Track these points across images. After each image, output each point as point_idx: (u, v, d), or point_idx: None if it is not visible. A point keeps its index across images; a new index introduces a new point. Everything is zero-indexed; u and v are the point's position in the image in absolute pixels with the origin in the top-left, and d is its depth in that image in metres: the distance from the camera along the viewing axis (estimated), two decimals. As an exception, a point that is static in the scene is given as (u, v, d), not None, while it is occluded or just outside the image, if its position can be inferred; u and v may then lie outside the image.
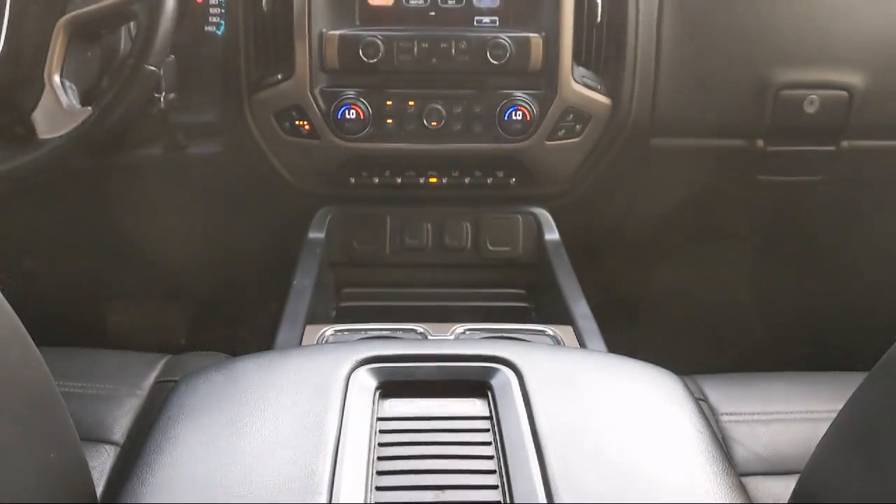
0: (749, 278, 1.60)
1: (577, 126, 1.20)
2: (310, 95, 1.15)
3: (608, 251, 1.43)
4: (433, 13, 1.18)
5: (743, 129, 1.24)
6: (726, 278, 1.57)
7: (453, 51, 1.15)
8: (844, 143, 1.23)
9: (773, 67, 1.19)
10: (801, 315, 1.53)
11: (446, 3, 1.17)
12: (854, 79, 1.18)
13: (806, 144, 1.24)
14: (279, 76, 1.17)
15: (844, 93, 1.19)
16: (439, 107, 1.17)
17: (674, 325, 1.51)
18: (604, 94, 1.19)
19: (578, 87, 1.17)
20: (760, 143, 1.24)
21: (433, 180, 1.24)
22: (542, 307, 1.21)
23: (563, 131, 1.19)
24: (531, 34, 1.15)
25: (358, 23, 1.18)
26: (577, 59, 1.17)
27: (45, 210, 1.34)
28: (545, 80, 1.17)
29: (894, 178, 1.28)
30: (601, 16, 1.15)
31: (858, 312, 1.47)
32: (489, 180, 1.23)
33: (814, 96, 1.19)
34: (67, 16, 1.00)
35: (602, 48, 1.18)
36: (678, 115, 1.22)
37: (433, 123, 1.17)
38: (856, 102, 1.19)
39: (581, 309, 1.03)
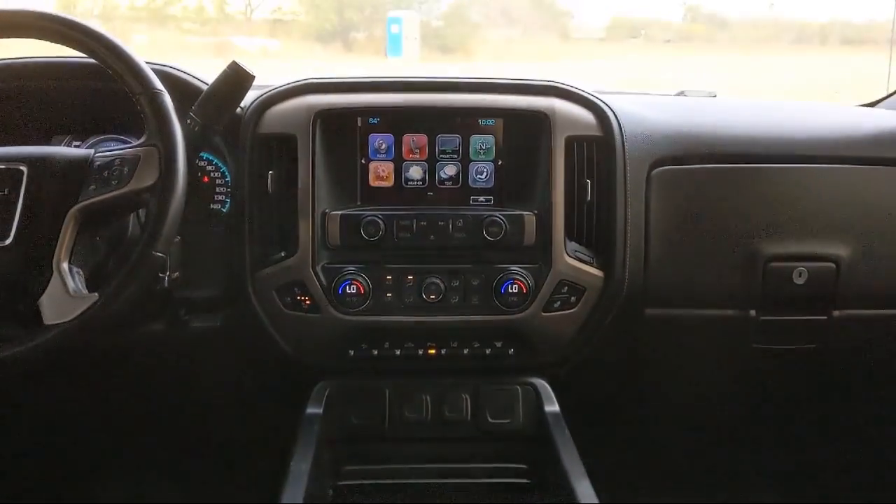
0: (748, 445, 1.61)
1: (572, 297, 1.26)
2: (312, 272, 1.22)
3: (608, 418, 1.45)
4: (431, 193, 1.27)
5: (735, 300, 1.30)
6: (726, 449, 1.58)
7: (450, 228, 1.23)
8: (836, 313, 1.29)
9: (762, 241, 1.27)
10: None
11: (443, 183, 1.27)
12: (841, 250, 1.26)
13: (798, 314, 1.30)
14: (282, 253, 1.24)
15: (832, 264, 1.26)
16: (437, 280, 1.23)
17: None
18: (597, 267, 1.26)
19: (572, 260, 1.24)
20: (753, 312, 1.30)
21: (432, 352, 1.28)
22: (545, 484, 1.22)
23: (558, 303, 1.25)
24: (524, 212, 1.23)
25: (359, 202, 1.27)
26: (570, 234, 1.25)
27: (45, 388, 1.37)
28: (539, 254, 1.24)
29: (886, 345, 1.33)
30: (591, 195, 1.25)
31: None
32: (488, 351, 1.28)
33: (802, 268, 1.26)
34: (80, 204, 1.03)
35: (593, 225, 1.26)
36: (671, 286, 1.28)
37: (432, 297, 1.23)
38: (843, 273, 1.26)
39: (584, 489, 1.04)
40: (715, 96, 1.69)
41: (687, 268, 1.28)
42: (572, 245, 1.25)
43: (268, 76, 1.32)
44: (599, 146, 1.26)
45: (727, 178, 1.28)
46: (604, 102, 1.28)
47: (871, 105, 1.67)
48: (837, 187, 1.28)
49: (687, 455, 1.61)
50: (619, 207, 1.25)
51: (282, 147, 1.24)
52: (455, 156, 1.27)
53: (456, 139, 1.27)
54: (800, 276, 1.26)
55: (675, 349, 1.36)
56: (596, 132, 1.27)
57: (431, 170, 1.27)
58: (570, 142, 1.25)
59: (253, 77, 1.16)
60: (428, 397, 1.29)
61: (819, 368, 1.39)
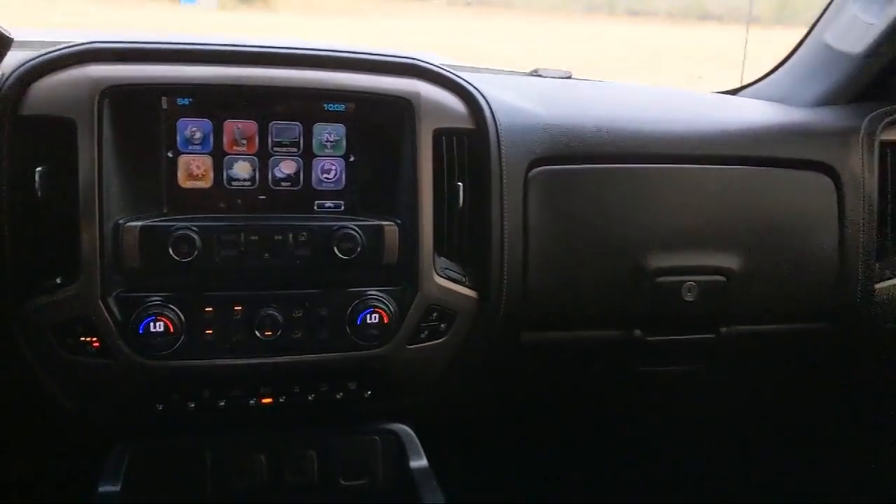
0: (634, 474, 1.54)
1: (442, 325, 1.06)
2: (101, 304, 0.93)
3: (485, 462, 1.29)
4: (263, 197, 1.02)
5: (619, 320, 1.17)
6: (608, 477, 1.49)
7: (290, 243, 0.98)
8: (724, 330, 1.20)
9: (648, 254, 1.14)
10: None
11: (279, 185, 1.02)
12: (732, 263, 1.17)
13: (685, 333, 1.19)
14: (58, 279, 0.93)
15: (722, 278, 1.16)
16: (274, 312, 0.99)
17: None
18: (470, 287, 1.07)
19: (442, 280, 1.04)
20: (638, 332, 1.18)
21: (267, 400, 1.03)
22: None
23: (426, 332, 1.05)
24: (384, 222, 1.02)
25: (166, 210, 0.98)
26: (439, 249, 1.05)
27: None
28: (403, 274, 1.03)
29: (772, 363, 1.28)
30: (463, 201, 1.06)
31: None
32: (339, 395, 1.05)
33: (692, 282, 1.15)
34: None
35: (465, 237, 1.07)
36: (551, 306, 1.12)
37: (267, 333, 0.98)
38: (734, 287, 1.17)
39: None
40: (570, 76, 1.57)
41: (569, 285, 1.12)
42: (442, 262, 1.05)
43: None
44: (472, 141, 1.07)
45: (611, 181, 1.13)
46: (475, 88, 1.09)
47: (732, 93, 1.62)
48: (728, 191, 1.17)
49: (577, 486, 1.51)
50: (495, 215, 1.06)
51: (55, 134, 0.93)
52: (294, 149, 1.02)
53: (295, 128, 1.02)
54: (689, 291, 1.15)
55: (552, 377, 1.22)
56: (467, 124, 1.07)
57: (263, 167, 1.01)
58: (438, 135, 1.04)
59: (10, 40, 0.86)
60: (262, 458, 1.05)
61: (703, 389, 1.31)
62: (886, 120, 1.25)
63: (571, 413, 1.33)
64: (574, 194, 1.12)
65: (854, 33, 1.31)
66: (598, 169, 1.13)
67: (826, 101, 1.37)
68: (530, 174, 1.10)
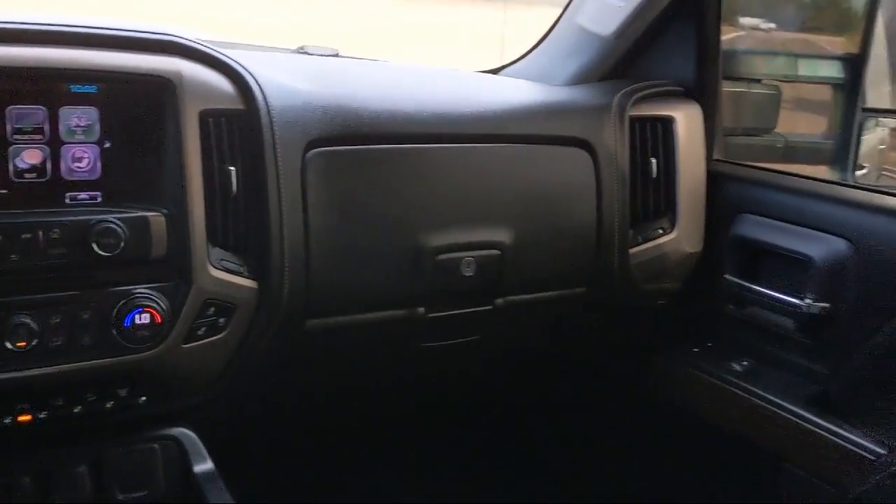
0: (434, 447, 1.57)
1: (221, 320, 1.01)
2: None
3: (277, 459, 1.25)
4: (4, 191, 0.90)
5: (403, 300, 1.18)
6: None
7: (41, 241, 0.88)
8: (499, 301, 1.25)
9: (428, 233, 1.15)
10: None
11: (22, 177, 0.90)
12: (505, 236, 1.21)
13: (465, 307, 1.23)
14: None
15: (497, 251, 1.21)
16: (28, 319, 0.88)
17: None
18: (249, 278, 1.03)
19: (218, 272, 0.99)
20: (422, 310, 1.20)
21: (25, 418, 0.92)
22: None
23: (203, 329, 0.99)
24: (149, 213, 0.94)
25: None
26: (213, 239, 0.99)
27: None
28: (174, 268, 0.96)
29: (543, 328, 1.36)
30: (236, 187, 1.00)
31: None
32: (109, 404, 0.97)
33: (470, 258, 1.19)
34: None
35: (241, 225, 1.02)
36: (335, 291, 1.10)
37: (20, 344, 0.88)
38: (507, 259, 1.22)
39: None
40: (337, 54, 1.55)
41: (352, 269, 1.11)
42: (217, 252, 1.00)
43: None
44: (242, 123, 1.02)
45: (388, 162, 1.13)
46: (242, 66, 1.03)
47: (494, 72, 1.68)
48: (499, 168, 1.22)
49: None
50: (273, 200, 1.02)
51: None
52: (39, 136, 0.91)
53: (39, 112, 0.91)
54: (468, 266, 1.19)
55: (339, 362, 1.20)
56: (236, 105, 1.01)
57: (2, 158, 0.90)
58: (205, 117, 0.98)
59: None
60: (27, 480, 0.94)
61: (482, 359, 1.36)
62: (635, 96, 1.36)
63: (359, 398, 1.32)
64: (353, 176, 1.10)
65: (604, 15, 1.41)
66: (375, 150, 1.13)
67: (580, 79, 1.47)
68: (307, 156, 1.07)
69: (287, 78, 1.11)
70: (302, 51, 1.51)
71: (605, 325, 1.45)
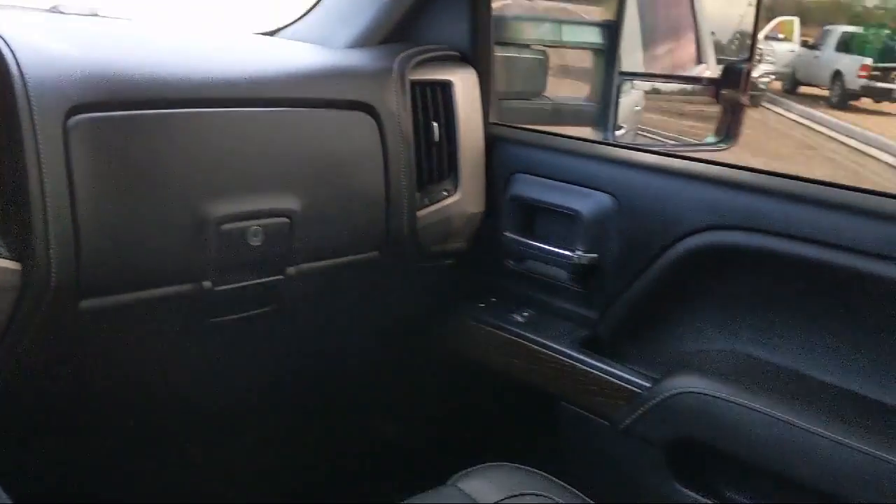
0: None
1: None
2: None
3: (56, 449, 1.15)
4: None
5: (186, 273, 1.13)
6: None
7: None
8: (291, 270, 1.23)
9: (211, 202, 1.10)
10: None
11: None
12: (293, 203, 1.19)
13: (254, 278, 1.20)
14: None
15: (286, 219, 1.19)
16: None
17: None
18: (10, 259, 0.94)
19: (-29, 255, 0.90)
20: (208, 284, 1.15)
21: None
22: None
23: (-41, 318, 0.90)
24: None
25: None
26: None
27: None
28: None
29: (336, 294, 1.36)
30: None
31: None
32: None
33: (257, 227, 1.16)
34: None
35: None
36: (110, 269, 1.03)
37: None
38: (297, 227, 1.20)
39: None
40: (96, 14, 1.44)
41: (129, 242, 1.04)
42: None
43: None
44: None
45: (163, 128, 1.07)
46: None
47: (271, 34, 1.63)
48: (282, 133, 1.19)
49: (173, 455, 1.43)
50: (32, 173, 0.93)
51: None
52: None
53: None
54: (255, 235, 1.15)
55: (121, 345, 1.13)
56: None
57: None
58: None
59: None
60: None
61: (278, 329, 1.34)
62: (414, 60, 1.38)
63: (146, 383, 1.26)
64: (123, 144, 1.03)
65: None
66: (146, 115, 1.06)
67: (360, 42, 1.47)
68: (69, 124, 0.98)
69: (42, 40, 1.01)
70: (56, 10, 1.38)
71: (397, 288, 1.48)
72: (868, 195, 1.13)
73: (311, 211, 1.22)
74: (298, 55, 1.39)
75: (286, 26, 1.63)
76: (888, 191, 1.14)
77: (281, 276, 1.22)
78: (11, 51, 0.94)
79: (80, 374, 1.13)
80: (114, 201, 1.02)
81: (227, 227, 1.13)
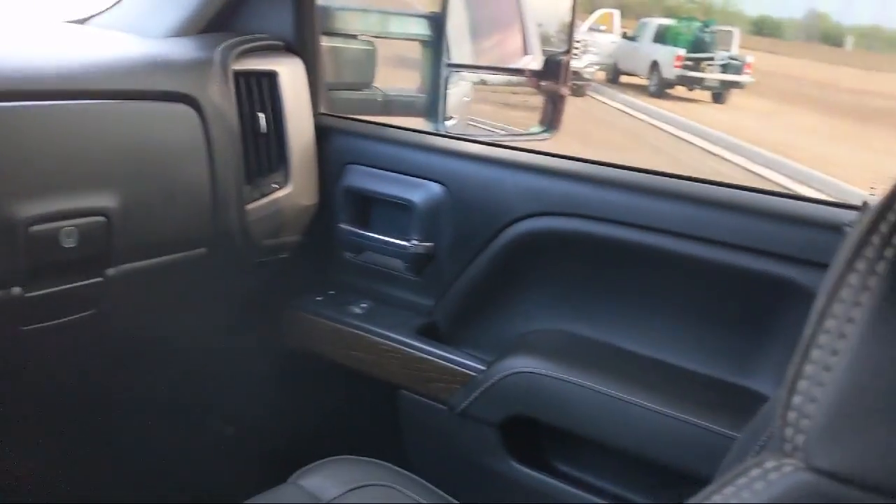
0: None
1: None
2: None
3: None
4: None
5: None
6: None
7: None
8: (111, 271, 1.17)
9: (17, 202, 1.02)
10: None
11: None
12: (110, 201, 1.13)
13: (70, 281, 1.12)
14: None
15: (102, 218, 1.12)
16: None
17: None
18: None
19: None
20: (17, 290, 1.07)
21: None
22: None
23: None
24: None
25: None
26: None
27: None
28: None
29: (164, 294, 1.30)
30: None
31: None
32: None
33: (71, 227, 1.09)
34: None
35: None
36: None
37: None
38: (115, 226, 1.14)
39: None
40: None
41: None
42: None
43: None
44: None
45: None
46: None
47: (80, 22, 1.53)
48: (96, 127, 1.12)
49: None
50: None
51: None
52: None
53: None
54: (69, 237, 1.08)
55: None
56: None
57: None
58: None
59: None
60: None
61: (98, 334, 1.26)
62: (236, 50, 1.34)
63: None
64: None
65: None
66: None
67: (179, 31, 1.40)
68: None
69: None
70: None
71: (230, 284, 1.44)
72: (676, 180, 1.22)
73: (131, 208, 1.16)
74: (113, 45, 1.31)
75: (98, 14, 1.53)
76: (694, 175, 1.24)
77: (100, 279, 1.16)
78: None
79: None
80: None
81: (36, 228, 1.05)
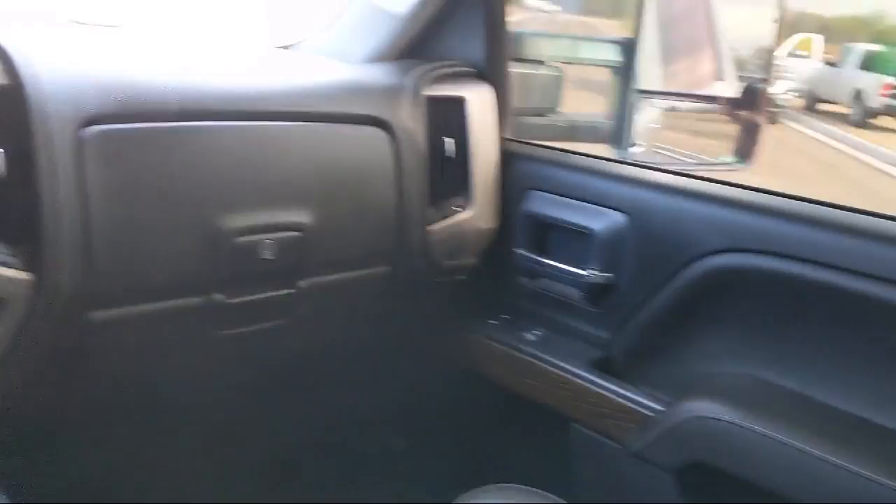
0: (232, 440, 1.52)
1: None
2: None
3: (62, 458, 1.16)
4: None
5: (199, 286, 1.13)
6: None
7: None
8: (302, 283, 1.24)
9: (224, 214, 1.11)
10: None
11: None
12: (305, 217, 1.20)
13: (265, 291, 1.20)
14: None
15: (298, 232, 1.19)
16: None
17: None
18: (21, 269, 0.94)
19: (-16, 265, 0.90)
20: (220, 297, 1.15)
21: None
22: None
23: (-32, 328, 0.91)
24: None
25: None
26: (-23, 229, 0.90)
27: None
28: None
29: (347, 308, 1.36)
30: (4, 170, 0.91)
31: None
32: None
33: (269, 240, 1.16)
34: None
35: (11, 212, 0.93)
36: (123, 281, 1.04)
37: None
38: (309, 240, 1.21)
39: None
40: (117, 25, 1.46)
41: (142, 254, 1.04)
42: None
43: None
44: (8, 100, 0.93)
45: (178, 140, 1.07)
46: (3, 38, 0.94)
47: (290, 48, 1.64)
48: (296, 147, 1.19)
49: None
50: (45, 184, 0.94)
51: None
52: None
53: None
54: (268, 249, 1.15)
55: (131, 356, 1.13)
56: (1, 80, 0.92)
57: None
58: None
59: None
60: None
61: (288, 343, 1.34)
62: (428, 76, 1.38)
63: (156, 394, 1.26)
64: (138, 156, 1.04)
65: (397, -6, 1.43)
66: (162, 128, 1.06)
67: (377, 58, 1.47)
68: (84, 135, 0.98)
69: (59, 51, 1.02)
70: (75, 22, 1.40)
71: (408, 302, 1.48)
72: (882, 220, 1.12)
73: (324, 224, 1.22)
74: (315, 69, 1.40)
75: (305, 40, 1.64)
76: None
77: (292, 290, 1.23)
78: (27, 61, 0.95)
79: (88, 383, 1.14)
80: (126, 213, 1.03)
81: (239, 240, 1.13)
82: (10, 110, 0.93)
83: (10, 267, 0.93)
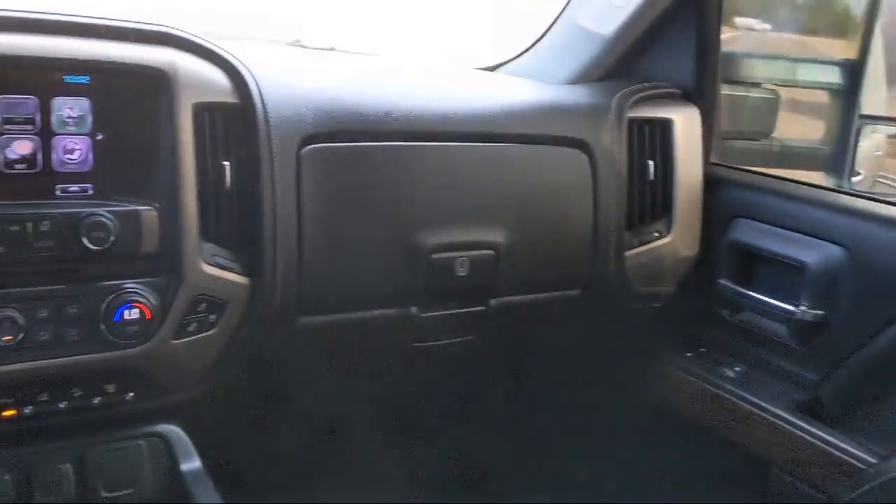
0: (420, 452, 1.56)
1: (211, 316, 1.00)
2: None
3: (267, 457, 1.24)
4: None
5: (396, 298, 1.18)
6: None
7: (29, 234, 0.87)
8: (493, 302, 1.25)
9: (424, 231, 1.15)
10: None
11: (12, 167, 0.89)
12: (499, 237, 1.21)
13: (459, 307, 1.22)
14: None
15: (492, 252, 1.21)
16: (14, 312, 0.88)
17: None
18: (241, 274, 1.02)
19: (210, 268, 0.98)
20: (414, 310, 1.19)
21: (8, 413, 0.92)
22: None
23: (193, 325, 0.99)
24: (141, 207, 0.93)
25: None
26: (205, 234, 0.98)
27: None
28: (165, 263, 0.96)
29: (539, 331, 1.35)
30: (230, 182, 1.00)
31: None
32: (95, 400, 0.96)
33: (464, 258, 1.19)
34: None
35: (234, 220, 1.01)
36: (328, 289, 1.10)
37: (6, 338, 0.87)
38: (502, 260, 1.22)
39: None
40: (333, 48, 1.54)
41: (347, 266, 1.10)
42: (209, 248, 0.99)
43: None
44: (237, 117, 1.01)
45: (385, 159, 1.12)
46: (237, 59, 1.02)
47: (491, 69, 1.67)
48: (495, 168, 1.21)
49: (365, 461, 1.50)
50: (267, 197, 1.01)
51: None
52: (30, 127, 0.90)
53: (29, 102, 0.89)
54: (462, 266, 1.18)
55: (330, 361, 1.19)
56: (232, 99, 1.01)
57: (-9, 148, 0.89)
58: (200, 110, 0.97)
59: None
60: (7, 477, 0.93)
61: (477, 361, 1.36)
62: (633, 98, 1.35)
63: (349, 398, 1.32)
64: (348, 174, 1.10)
65: (604, 15, 1.41)
66: (371, 147, 1.12)
67: (579, 79, 1.46)
68: (303, 152, 1.06)
69: (283, 72, 1.10)
70: (298, 44, 1.50)
71: (600, 328, 1.45)
72: None
73: (517, 245, 1.22)
74: (517, 91, 1.41)
75: (507, 62, 1.66)
76: None
77: (484, 307, 1.24)
78: (256, 81, 1.02)
79: (293, 383, 1.21)
80: (336, 227, 1.08)
81: (437, 256, 1.16)
82: (239, 127, 1.01)
83: (231, 272, 1.01)
